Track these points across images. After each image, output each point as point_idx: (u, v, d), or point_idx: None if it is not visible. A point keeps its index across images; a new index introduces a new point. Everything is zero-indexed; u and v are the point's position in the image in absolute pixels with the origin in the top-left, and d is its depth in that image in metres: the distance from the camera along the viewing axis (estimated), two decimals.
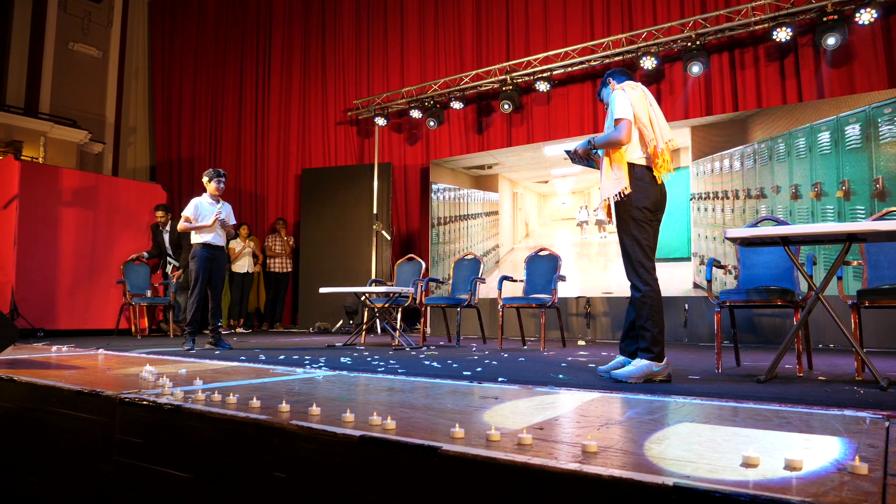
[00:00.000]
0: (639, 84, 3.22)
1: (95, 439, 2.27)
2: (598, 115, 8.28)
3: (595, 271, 7.84)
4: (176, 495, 1.97)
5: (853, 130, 6.27)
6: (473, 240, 8.87)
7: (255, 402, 2.00)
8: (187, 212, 5.49)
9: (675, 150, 3.20)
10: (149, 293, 8.04)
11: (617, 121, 3.07)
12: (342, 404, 2.12)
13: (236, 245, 9.17)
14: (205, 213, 5.50)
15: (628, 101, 3.09)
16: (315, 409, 1.88)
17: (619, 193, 3.03)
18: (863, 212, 6.13)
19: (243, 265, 9.27)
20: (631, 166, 3.07)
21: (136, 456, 2.10)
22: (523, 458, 1.36)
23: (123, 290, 7.67)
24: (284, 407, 1.93)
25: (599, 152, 3.25)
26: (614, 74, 3.38)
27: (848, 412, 2.08)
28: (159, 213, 8.22)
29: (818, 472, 1.29)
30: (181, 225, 5.51)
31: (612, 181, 3.07)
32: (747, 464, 1.31)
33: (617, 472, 1.24)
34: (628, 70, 4.45)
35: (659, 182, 3.12)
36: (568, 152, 3.45)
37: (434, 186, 9.22)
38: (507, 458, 1.37)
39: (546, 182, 8.40)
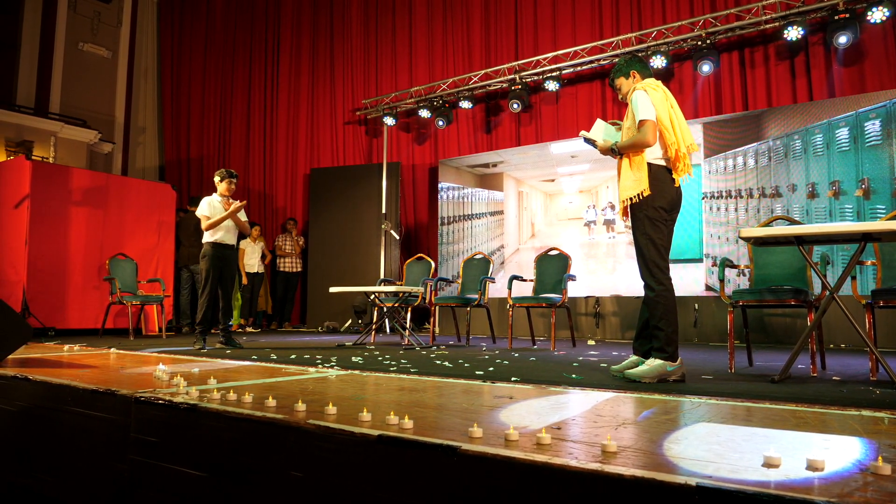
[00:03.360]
0: (660, 84, 3.20)
1: (110, 438, 2.28)
2: (608, 114, 8.24)
3: (603, 272, 7.77)
4: (191, 494, 1.97)
5: (873, 126, 6.09)
6: (478, 240, 8.80)
7: (271, 402, 2.00)
8: (204, 212, 5.49)
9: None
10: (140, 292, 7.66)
11: (641, 122, 3.05)
12: (357, 403, 2.12)
13: (247, 245, 9.19)
14: (217, 212, 5.52)
15: (650, 101, 3.07)
16: (331, 409, 1.88)
17: (639, 195, 3.03)
18: (883, 211, 5.94)
19: (254, 265, 9.30)
20: (649, 166, 3.06)
21: (152, 455, 2.10)
22: (543, 458, 1.35)
23: (111, 289, 7.19)
24: (300, 406, 1.93)
25: None
26: (634, 64, 3.31)
27: (865, 412, 2.06)
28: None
29: (841, 472, 1.28)
30: (205, 224, 5.49)
31: (631, 182, 3.07)
32: (769, 464, 1.31)
33: (639, 472, 1.23)
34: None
35: (676, 184, 3.11)
36: (588, 140, 3.39)
37: (438, 185, 9.21)
38: (527, 457, 1.37)
39: (552, 181, 8.34)
